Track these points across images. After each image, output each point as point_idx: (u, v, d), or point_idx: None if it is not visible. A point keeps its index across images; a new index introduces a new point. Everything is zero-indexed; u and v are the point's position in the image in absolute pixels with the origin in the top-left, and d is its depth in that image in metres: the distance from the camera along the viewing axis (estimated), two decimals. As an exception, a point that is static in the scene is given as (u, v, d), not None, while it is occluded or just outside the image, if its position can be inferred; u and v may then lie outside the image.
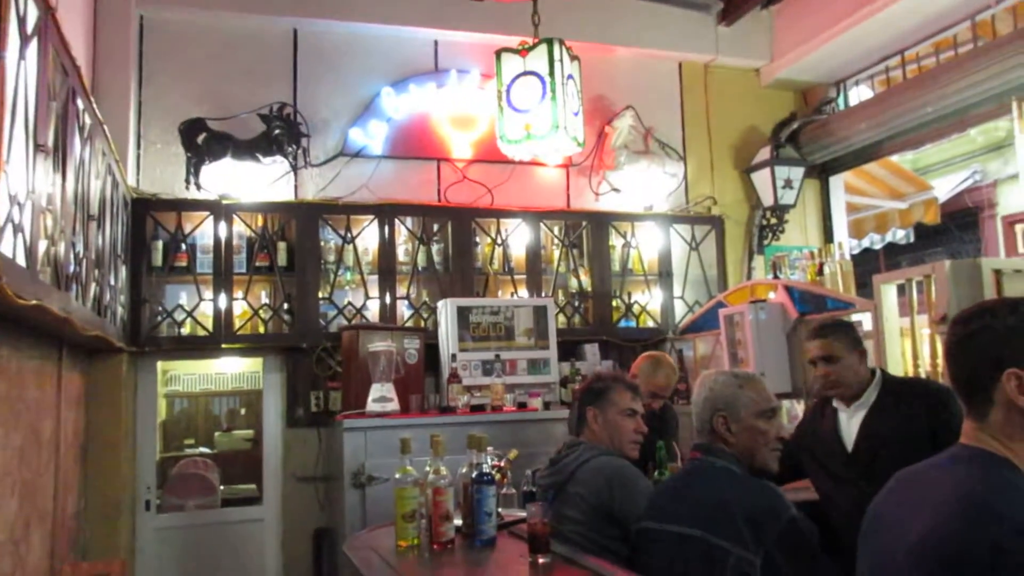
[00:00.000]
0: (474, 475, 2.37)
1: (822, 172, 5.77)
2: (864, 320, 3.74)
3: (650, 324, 5.14)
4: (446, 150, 5.11)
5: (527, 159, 4.03)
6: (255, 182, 4.66)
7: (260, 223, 4.67)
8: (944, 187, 7.64)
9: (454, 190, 5.07)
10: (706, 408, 2.02)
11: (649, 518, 2.01)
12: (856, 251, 7.58)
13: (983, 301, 1.44)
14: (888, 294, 3.57)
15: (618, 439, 2.46)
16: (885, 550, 1.38)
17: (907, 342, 3.52)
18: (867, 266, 8.23)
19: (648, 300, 5.21)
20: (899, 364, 3.50)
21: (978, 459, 1.33)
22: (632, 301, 5.16)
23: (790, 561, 1.74)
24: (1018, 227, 8.13)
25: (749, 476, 1.94)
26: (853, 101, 5.74)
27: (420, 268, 4.87)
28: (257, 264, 4.58)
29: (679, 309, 5.20)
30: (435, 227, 4.94)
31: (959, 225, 8.99)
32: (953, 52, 4.89)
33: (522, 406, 4.28)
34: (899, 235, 7.43)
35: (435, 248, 4.91)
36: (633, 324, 5.11)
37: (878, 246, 7.73)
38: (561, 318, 4.96)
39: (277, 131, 4.67)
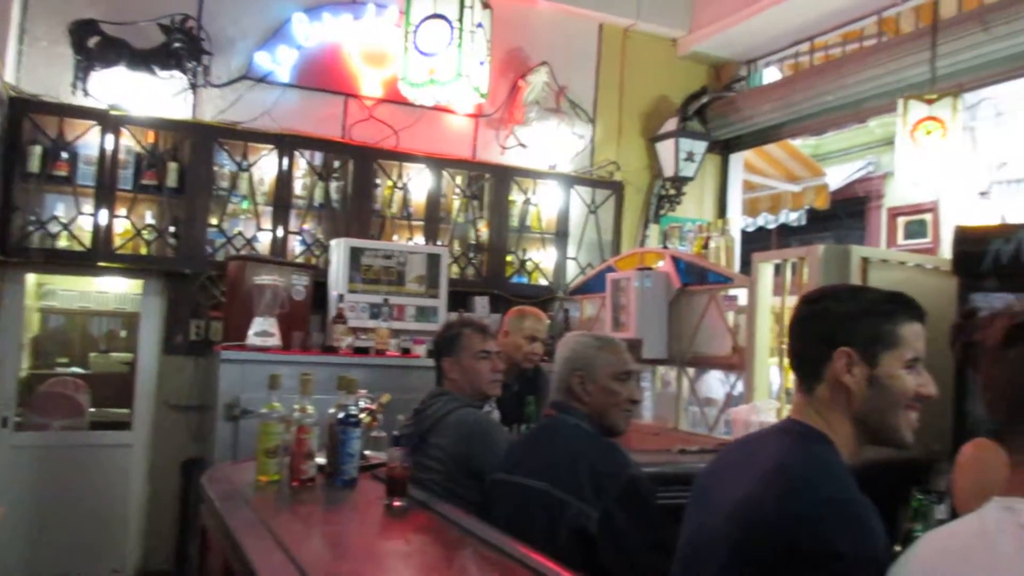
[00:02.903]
0: (340, 416, 2.38)
1: (724, 148, 5.92)
2: (740, 295, 3.90)
3: (542, 282, 5.22)
4: (355, 86, 4.98)
5: (429, 104, 3.98)
6: (149, 96, 4.44)
7: (151, 139, 4.46)
8: (840, 175, 7.97)
9: (360, 128, 4.96)
10: (565, 367, 2.09)
11: (501, 470, 2.08)
12: (752, 229, 7.86)
13: (834, 284, 1.53)
14: (765, 272, 3.72)
15: (477, 382, 2.52)
16: (706, 516, 1.47)
17: (775, 319, 3.70)
18: (761, 244, 8.55)
19: (542, 258, 5.27)
20: (766, 340, 3.68)
21: (798, 433, 1.43)
22: (527, 258, 5.22)
23: (627, 517, 1.84)
24: (900, 219, 8.60)
25: (599, 434, 2.02)
26: (763, 82, 5.89)
27: (317, 204, 4.77)
28: (144, 182, 4.39)
29: (572, 270, 5.29)
30: (336, 164, 4.84)
31: (849, 213, 9.41)
32: (859, 45, 5.07)
33: (406, 352, 4.30)
34: (792, 217, 7.73)
35: (334, 185, 4.82)
36: (525, 280, 5.18)
37: (772, 226, 8.03)
38: (455, 268, 4.97)
39: (177, 44, 4.45)
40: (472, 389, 2.54)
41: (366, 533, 1.99)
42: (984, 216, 7.26)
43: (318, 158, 4.80)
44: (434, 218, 4.97)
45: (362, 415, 2.60)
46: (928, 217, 8.20)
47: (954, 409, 2.79)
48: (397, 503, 2.09)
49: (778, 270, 3.72)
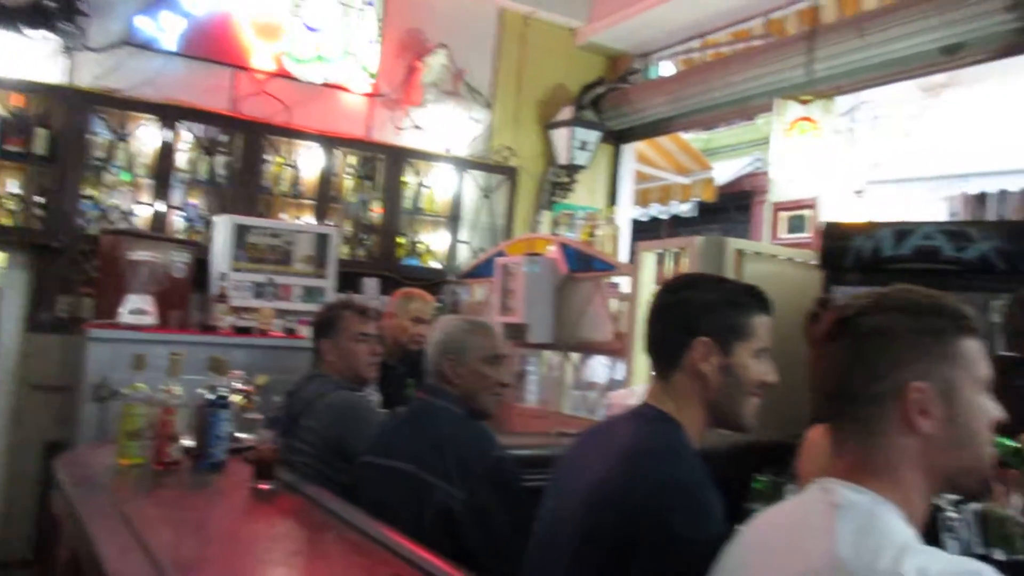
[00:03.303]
0: (210, 398, 2.31)
1: (617, 139, 6.03)
2: (624, 283, 4.00)
3: (434, 265, 5.20)
4: (246, 58, 4.81)
5: (317, 81, 3.88)
6: (16, 56, 4.16)
7: (18, 103, 4.19)
8: (730, 170, 8.26)
9: (250, 102, 4.80)
10: (437, 351, 2.09)
11: (371, 453, 2.07)
12: (646, 218, 8.06)
13: (693, 273, 1.57)
14: (648, 261, 3.83)
15: (354, 365, 2.51)
16: (561, 499, 1.50)
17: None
18: (654, 233, 8.77)
19: (435, 241, 5.26)
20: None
21: (650, 418, 1.48)
22: (419, 240, 5.20)
23: (492, 497, 1.86)
24: (783, 214, 8.99)
25: (468, 417, 2.04)
26: (660, 75, 6.03)
27: (201, 179, 4.59)
28: (8, 148, 4.12)
29: (464, 253, 5.30)
30: (224, 138, 4.67)
31: (737, 206, 9.78)
32: (746, 44, 5.24)
33: (290, 332, 4.22)
34: (683, 208, 7.95)
35: (220, 160, 4.65)
36: (417, 263, 5.15)
37: (664, 216, 8.26)
38: (345, 249, 4.89)
39: (49, 2, 4.19)
40: (349, 372, 2.52)
41: (228, 517, 1.95)
42: (859, 213, 7.68)
43: (204, 131, 4.62)
44: (325, 197, 4.87)
45: (235, 397, 2.54)
46: (808, 213, 8.63)
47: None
48: (264, 486, 2.06)
49: (660, 259, 3.83)
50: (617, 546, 1.30)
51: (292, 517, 1.93)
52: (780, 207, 9.24)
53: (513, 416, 4.31)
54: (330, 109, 5.02)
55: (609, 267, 4.04)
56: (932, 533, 1.66)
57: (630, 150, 6.12)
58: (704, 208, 8.23)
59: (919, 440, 1.00)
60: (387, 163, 5.09)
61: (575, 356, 4.24)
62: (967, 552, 1.70)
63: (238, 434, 2.49)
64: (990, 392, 1.05)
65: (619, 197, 6.01)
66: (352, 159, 5.05)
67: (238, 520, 1.93)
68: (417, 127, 5.26)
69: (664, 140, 6.75)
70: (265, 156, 4.74)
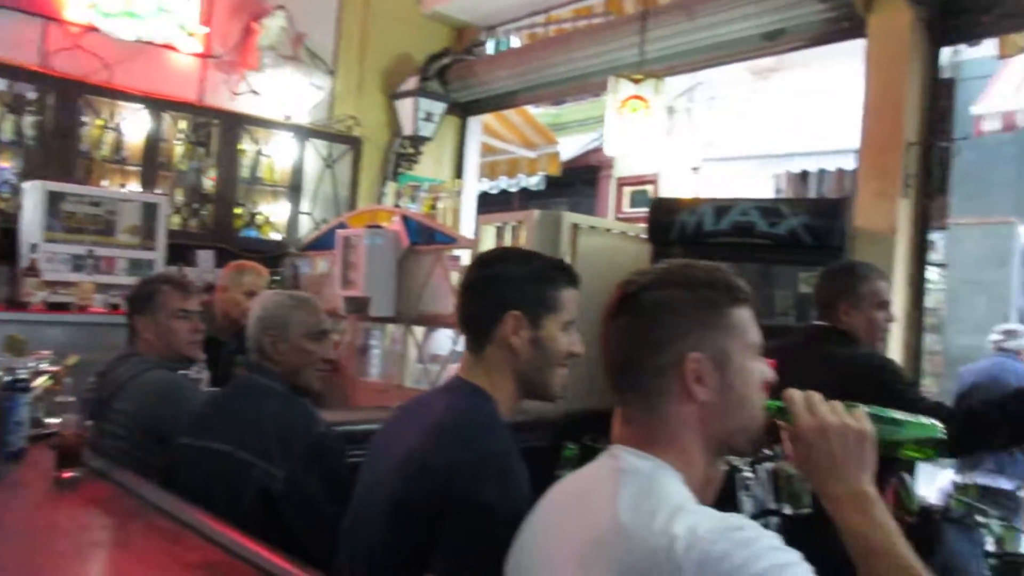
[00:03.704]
0: (6, 381, 2.13)
1: (464, 111, 6.02)
2: (465, 256, 4.01)
3: (274, 236, 5.03)
4: (58, 8, 4.41)
5: (131, 38, 3.63)
6: None
7: None
8: (578, 144, 8.45)
9: (63, 57, 4.41)
10: (257, 327, 2.03)
11: (188, 434, 1.98)
12: (495, 191, 8.13)
13: (506, 248, 1.58)
14: (487, 234, 3.85)
15: (174, 343, 2.38)
16: (375, 472, 1.50)
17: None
18: (504, 206, 8.87)
19: (275, 212, 5.08)
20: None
21: (462, 391, 1.49)
22: (257, 211, 5.00)
23: (313, 476, 1.83)
24: (626, 189, 9.32)
25: (290, 394, 1.99)
26: (509, 48, 6.06)
27: (7, 139, 4.20)
28: None
29: (306, 225, 5.15)
30: (33, 96, 4.28)
31: (584, 180, 10.05)
32: (587, 22, 5.35)
33: (114, 308, 3.96)
34: (531, 181, 8.07)
35: (29, 120, 4.26)
36: (256, 234, 4.96)
37: (514, 189, 8.35)
38: (176, 219, 4.64)
39: None
40: (168, 350, 2.39)
41: (24, 510, 1.81)
42: (696, 189, 8.08)
43: (10, 87, 4.22)
44: (152, 164, 4.58)
45: (41, 379, 2.36)
46: (650, 188, 8.99)
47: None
48: (67, 474, 1.92)
49: (500, 233, 3.87)
50: (427, 518, 1.31)
51: (97, 506, 1.82)
52: (623, 182, 9.58)
53: (356, 390, 4.26)
54: (157, 69, 4.70)
55: (450, 240, 4.04)
56: (730, 491, 1.78)
57: (476, 123, 6.13)
58: (553, 182, 8.39)
59: (697, 407, 1.06)
60: (222, 129, 4.84)
61: (418, 329, 4.23)
62: (761, 507, 1.83)
63: (46, 419, 2.32)
64: (759, 356, 1.11)
65: (465, 170, 6.02)
66: (183, 124, 4.77)
67: (34, 513, 1.80)
68: (254, 92, 5.04)
69: (511, 114, 6.81)
70: (83, 117, 4.39)
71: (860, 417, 1.07)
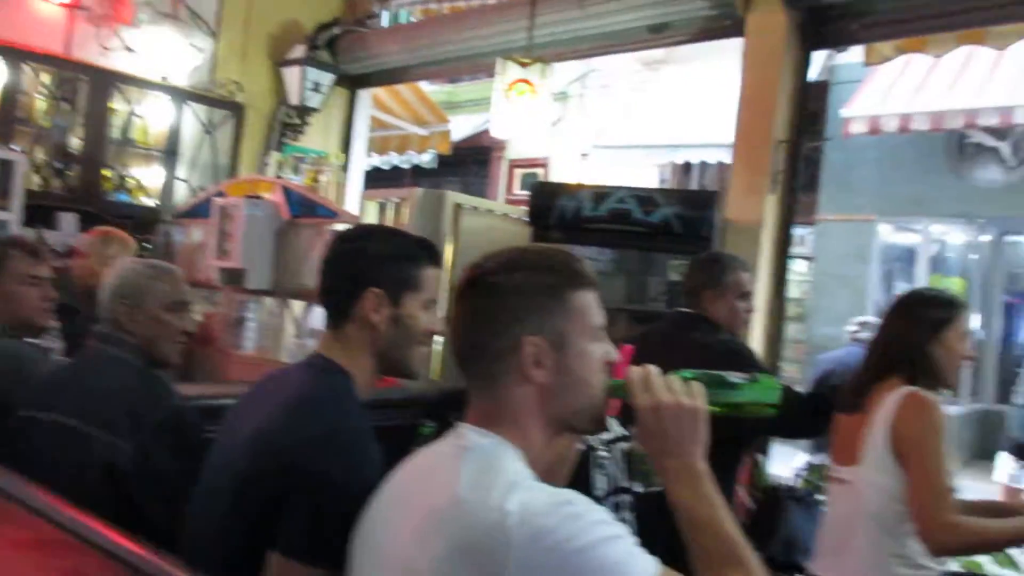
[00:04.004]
0: None
1: (353, 83, 5.90)
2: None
3: (146, 202, 4.80)
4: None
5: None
6: None
7: None
8: (472, 123, 8.42)
9: (-90, -3, 4.06)
10: (112, 296, 1.93)
11: (31, 406, 1.88)
12: (387, 167, 8.02)
13: (369, 224, 1.56)
14: (370, 210, 3.82)
15: (21, 311, 2.25)
16: (226, 449, 1.47)
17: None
18: (396, 182, 8.78)
19: (148, 177, 4.84)
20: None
21: (319, 367, 1.48)
22: (129, 174, 4.75)
23: (166, 451, 1.78)
24: (517, 170, 9.40)
25: (143, 367, 1.92)
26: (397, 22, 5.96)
27: None
28: None
29: (182, 192, 4.94)
30: None
31: (477, 160, 10.07)
32: (481, 1, 5.33)
33: (-39, 271, 3.69)
34: (423, 159, 8.01)
35: None
36: (127, 199, 4.72)
37: (406, 166, 8.27)
38: (36, 179, 4.35)
39: None
40: (14, 319, 2.25)
41: None
42: (586, 175, 8.22)
43: None
44: (9, 118, 4.28)
45: None
46: (541, 171, 9.09)
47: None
48: None
49: (383, 209, 3.84)
50: (273, 495, 1.30)
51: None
52: (515, 164, 9.65)
53: (228, 363, 4.14)
54: (17, 16, 4.38)
55: (332, 214, 3.97)
56: (585, 470, 1.84)
57: (367, 96, 6.02)
58: (445, 160, 8.36)
59: (536, 389, 1.09)
60: (91, 86, 4.57)
61: (296, 303, 4.15)
62: (614, 484, 1.90)
63: None
64: (601, 338, 1.15)
65: (353, 143, 5.90)
66: (46, 77, 4.47)
67: None
68: (129, 49, 4.77)
69: (403, 89, 6.72)
70: (-71, 65, 4.06)
71: (695, 393, 1.10)
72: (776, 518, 2.79)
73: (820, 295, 8.16)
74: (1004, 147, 7.41)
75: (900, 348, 2.06)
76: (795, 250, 8.68)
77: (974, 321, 8.75)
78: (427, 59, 5.42)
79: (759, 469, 3.23)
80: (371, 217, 3.81)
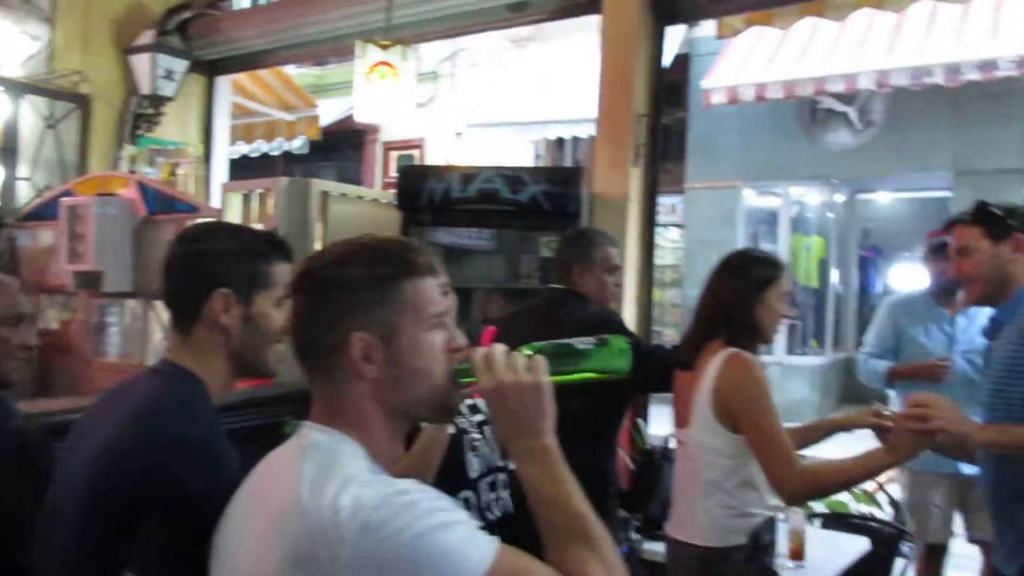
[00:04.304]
0: None
1: (210, 69, 5.65)
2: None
3: (-16, 205, 4.46)
4: None
5: None
6: None
7: None
8: (343, 106, 8.21)
9: None
10: (-65, 313, 1.79)
11: None
12: (256, 155, 7.73)
13: (212, 222, 1.48)
14: (234, 202, 3.68)
15: None
16: (71, 463, 1.39)
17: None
18: (267, 171, 8.47)
19: (-15, 177, 4.50)
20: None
21: (167, 374, 1.41)
22: (-39, 176, 4.41)
23: (6, 472, 1.67)
24: (393, 153, 9.28)
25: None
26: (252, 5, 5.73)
27: None
28: None
29: (25, 192, 4.61)
30: None
31: (351, 144, 9.86)
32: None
33: None
34: (294, 145, 7.77)
35: None
36: (-39, 203, 4.38)
37: (276, 153, 7.99)
38: None
39: None
40: None
41: None
42: (461, 155, 8.21)
43: None
44: None
45: None
46: (416, 153, 9.01)
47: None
48: None
49: (247, 200, 3.71)
50: (124, 512, 1.24)
51: None
52: (390, 147, 9.52)
53: (90, 372, 3.92)
54: None
55: (192, 209, 3.81)
56: (459, 453, 1.85)
57: (226, 82, 5.77)
58: (319, 146, 8.13)
59: (370, 383, 1.06)
60: (-89, 81, 4.19)
61: (161, 305, 3.96)
62: (488, 464, 1.92)
63: None
64: (442, 325, 1.11)
65: (214, 132, 5.66)
66: None
67: None
68: (-48, 40, 4.40)
69: (266, 74, 6.49)
70: None
71: (536, 367, 1.09)
72: (653, 479, 2.90)
73: (693, 260, 8.48)
74: (852, 112, 7.87)
75: (726, 308, 2.14)
76: (667, 218, 9.03)
77: (833, 275, 9.36)
78: (286, 42, 5.24)
79: (639, 432, 3.35)
80: (234, 209, 3.67)
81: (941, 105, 7.19)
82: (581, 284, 2.67)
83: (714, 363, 2.09)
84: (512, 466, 1.94)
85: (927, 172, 7.63)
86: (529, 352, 1.13)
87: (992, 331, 2.12)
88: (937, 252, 3.26)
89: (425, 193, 3.44)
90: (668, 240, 9.09)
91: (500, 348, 1.11)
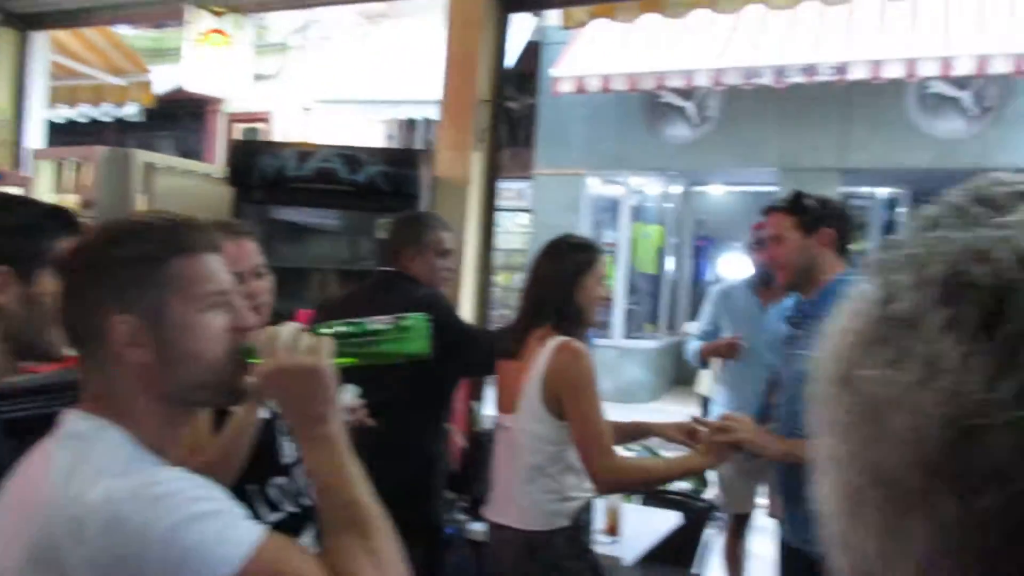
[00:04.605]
0: None
1: (23, 23, 5.17)
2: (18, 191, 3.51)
3: None
4: None
5: None
6: None
7: None
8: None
9: None
10: None
11: None
12: (85, 120, 7.16)
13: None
14: (44, 171, 3.42)
15: None
16: None
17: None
18: (94, 138, 7.88)
19: None
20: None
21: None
22: None
23: None
24: (238, 125, 8.90)
25: None
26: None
27: None
28: None
29: None
30: None
31: (192, 114, 9.35)
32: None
33: None
34: (126, 111, 7.26)
35: None
36: None
37: (107, 119, 7.44)
38: None
39: None
40: None
41: None
42: (310, 131, 7.98)
43: None
44: None
45: None
46: (262, 127, 8.68)
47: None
48: None
49: (60, 170, 3.45)
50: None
51: None
52: (234, 119, 9.12)
53: None
54: None
55: (-3, 176, 3.50)
56: (271, 438, 1.81)
57: (43, 39, 5.30)
58: (156, 114, 7.64)
59: (137, 367, 1.00)
60: None
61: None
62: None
63: None
64: (219, 305, 1.05)
65: (27, 93, 5.19)
66: None
67: None
68: None
69: (93, 34, 6.03)
70: None
71: (318, 350, 1.04)
72: (481, 460, 2.95)
73: (540, 245, 8.64)
74: (690, 107, 8.27)
75: (548, 294, 2.17)
76: (515, 203, 9.16)
77: (670, 263, 9.85)
78: (109, 2, 4.89)
79: (474, 414, 3.40)
80: (45, 180, 3.41)
81: (769, 105, 7.68)
82: (412, 267, 2.67)
83: (544, 352, 2.11)
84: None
85: (755, 167, 8.14)
86: (324, 332, 1.09)
87: (796, 320, 2.28)
88: (760, 243, 3.49)
89: (258, 169, 3.32)
90: (517, 225, 9.24)
91: (289, 328, 1.06)
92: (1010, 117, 7.36)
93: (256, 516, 1.49)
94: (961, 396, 0.25)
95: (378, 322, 1.15)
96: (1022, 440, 0.23)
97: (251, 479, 1.66)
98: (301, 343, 1.04)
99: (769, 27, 6.93)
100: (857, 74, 6.69)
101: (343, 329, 1.12)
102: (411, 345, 1.15)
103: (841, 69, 6.77)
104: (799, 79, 6.88)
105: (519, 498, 2.16)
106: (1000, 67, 6.44)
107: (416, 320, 1.16)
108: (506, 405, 2.24)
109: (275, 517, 1.70)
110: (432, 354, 1.16)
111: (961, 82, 7.21)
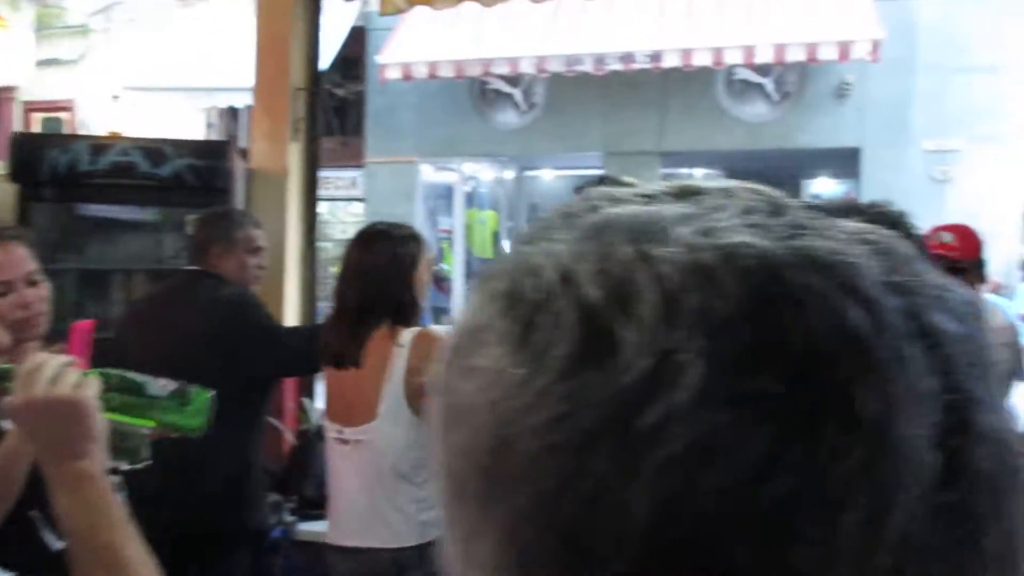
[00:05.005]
0: None
1: None
2: None
3: None
4: None
5: None
6: None
7: None
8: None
9: None
10: None
11: None
12: None
13: None
14: None
15: None
16: None
17: None
18: None
19: None
20: None
21: None
22: None
23: None
24: (37, 115, 8.17)
25: None
26: None
27: None
28: None
29: None
30: None
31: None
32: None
33: None
34: None
35: None
36: None
37: None
38: None
39: None
40: None
41: None
42: (121, 120, 7.43)
43: None
44: None
45: None
46: (64, 116, 8.02)
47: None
48: None
49: None
50: None
51: None
52: (32, 107, 8.39)
53: None
54: None
55: None
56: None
57: None
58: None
59: None
60: None
61: None
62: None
63: None
64: None
65: None
66: None
67: None
68: None
69: None
70: None
71: (82, 387, 0.97)
72: (308, 459, 2.89)
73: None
74: (517, 93, 8.41)
75: (381, 289, 2.04)
76: (348, 192, 9.00)
77: (505, 247, 10.01)
78: None
79: (304, 412, 3.30)
80: None
81: (592, 92, 7.93)
82: (220, 266, 2.55)
83: (400, 349, 1.99)
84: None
85: (582, 152, 8.40)
86: (95, 377, 1.00)
87: None
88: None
89: (46, 164, 3.06)
90: (351, 214, 9.08)
91: (55, 360, 0.97)
92: (808, 101, 7.98)
93: (42, 543, 1.39)
94: (499, 405, 0.26)
95: (158, 386, 1.09)
96: (545, 443, 0.24)
97: (33, 504, 1.55)
98: (66, 378, 0.95)
99: (588, 15, 7.15)
100: (670, 62, 7.03)
101: (118, 382, 1.05)
102: (187, 422, 1.11)
103: (656, 57, 7.09)
104: (617, 66, 7.14)
105: (386, 514, 2.00)
106: (795, 55, 6.97)
107: (199, 395, 1.11)
108: (348, 416, 2.07)
109: (63, 544, 1.59)
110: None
111: (763, 69, 7.73)
